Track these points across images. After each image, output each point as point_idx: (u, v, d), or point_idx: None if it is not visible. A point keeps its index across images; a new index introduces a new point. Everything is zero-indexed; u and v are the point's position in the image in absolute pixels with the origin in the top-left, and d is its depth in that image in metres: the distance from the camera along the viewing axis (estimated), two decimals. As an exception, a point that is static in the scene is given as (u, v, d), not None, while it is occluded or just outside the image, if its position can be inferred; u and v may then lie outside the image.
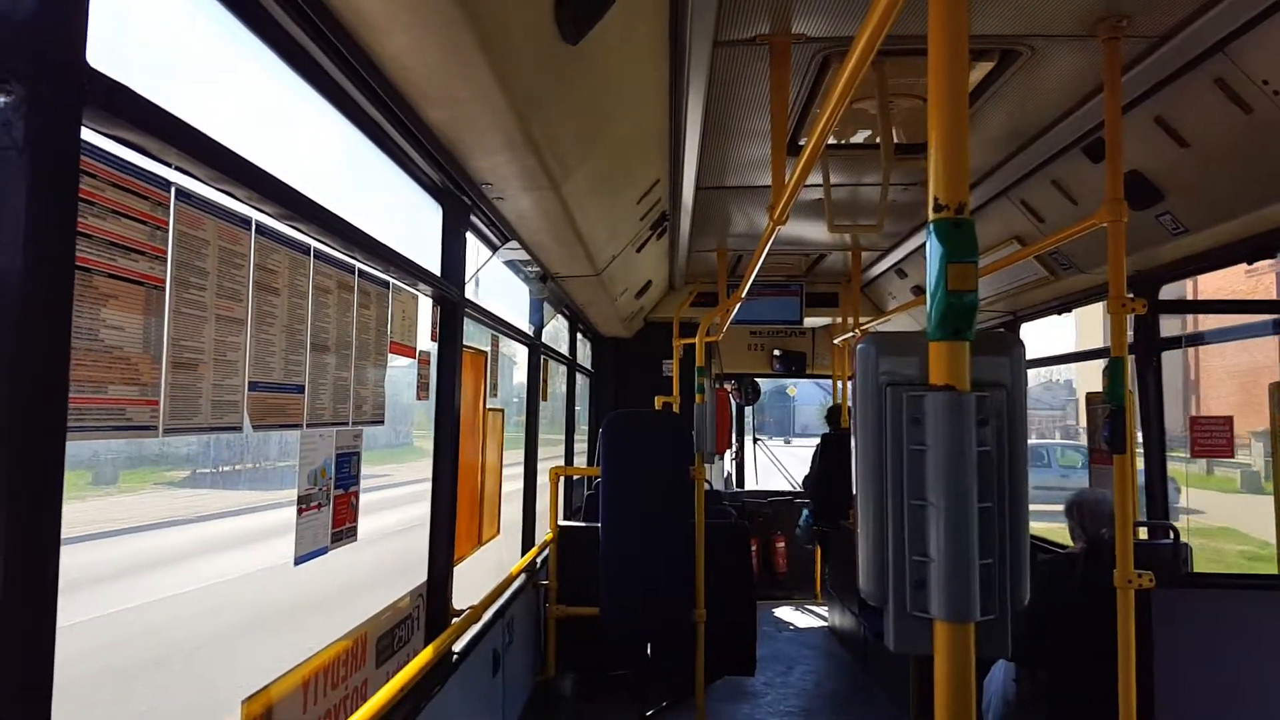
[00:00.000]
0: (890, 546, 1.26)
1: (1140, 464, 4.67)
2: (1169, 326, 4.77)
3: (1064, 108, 3.71)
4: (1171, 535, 3.90)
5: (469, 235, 3.43)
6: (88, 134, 1.19)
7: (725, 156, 4.54)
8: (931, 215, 1.23)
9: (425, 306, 3.07)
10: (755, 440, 11.20)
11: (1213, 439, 4.43)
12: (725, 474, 10.24)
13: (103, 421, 1.28)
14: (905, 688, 5.31)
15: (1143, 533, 4.49)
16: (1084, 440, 8.59)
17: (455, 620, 3.29)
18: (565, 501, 6.77)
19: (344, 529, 2.36)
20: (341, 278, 2.28)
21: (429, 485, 3.26)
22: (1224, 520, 18.04)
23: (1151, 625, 3.21)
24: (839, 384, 8.70)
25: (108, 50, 1.21)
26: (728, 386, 9.78)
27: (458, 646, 3.32)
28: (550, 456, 6.58)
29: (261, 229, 1.82)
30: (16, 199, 1.00)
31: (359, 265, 2.39)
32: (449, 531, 3.28)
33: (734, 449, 10.31)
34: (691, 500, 4.82)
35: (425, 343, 3.05)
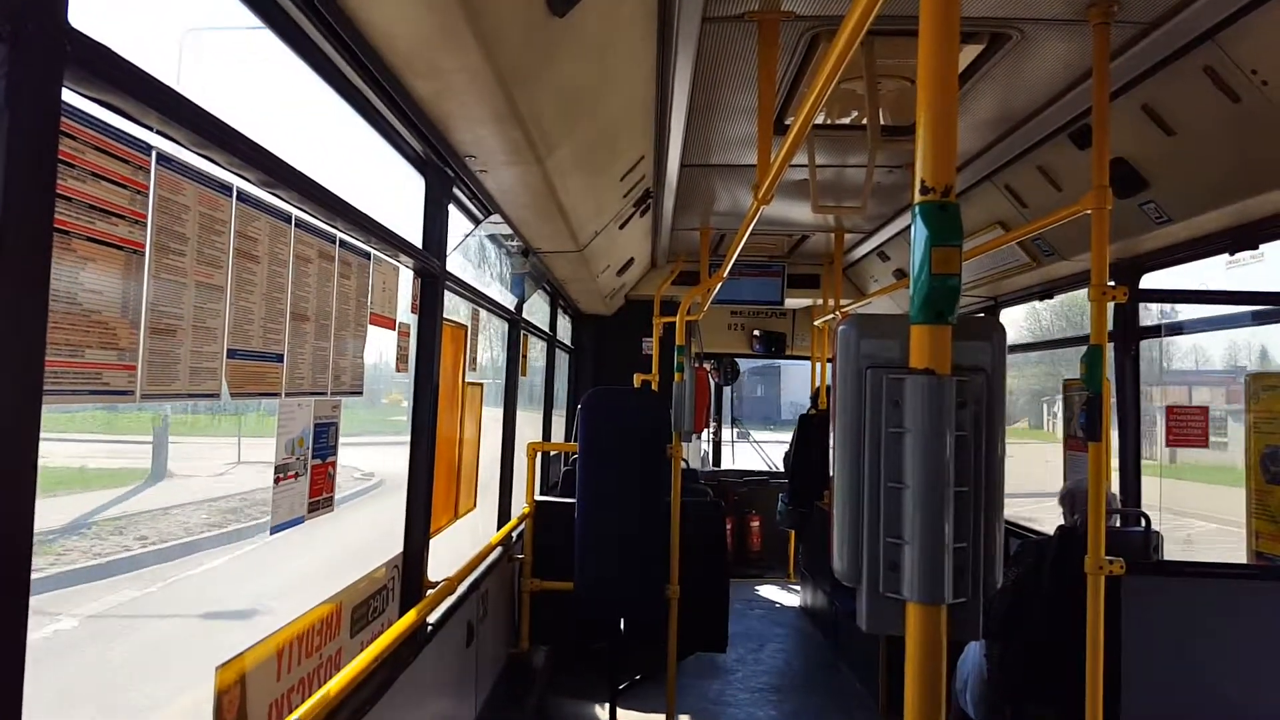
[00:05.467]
0: (865, 528, 1.26)
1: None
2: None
3: (1051, 93, 3.68)
4: (1143, 523, 3.96)
5: (451, 208, 3.40)
6: (68, 95, 1.17)
7: (711, 134, 4.51)
8: (918, 198, 1.23)
9: (406, 278, 3.05)
10: (734, 421, 11.24)
11: (1188, 429, 4.50)
12: (702, 453, 10.29)
13: (79, 385, 1.27)
14: (875, 667, 5.39)
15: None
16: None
17: (430, 592, 3.30)
18: (542, 477, 6.77)
19: (320, 499, 2.36)
20: (322, 247, 2.26)
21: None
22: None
23: (1121, 610, 3.26)
24: (818, 366, 8.75)
25: (89, 11, 1.18)
26: (707, 366, 9.81)
27: (432, 618, 3.33)
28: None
29: (242, 196, 1.79)
30: None
31: (340, 235, 2.36)
32: (425, 504, 3.28)
33: (711, 428, 10.36)
34: (668, 478, 4.83)
35: (405, 315, 3.03)
